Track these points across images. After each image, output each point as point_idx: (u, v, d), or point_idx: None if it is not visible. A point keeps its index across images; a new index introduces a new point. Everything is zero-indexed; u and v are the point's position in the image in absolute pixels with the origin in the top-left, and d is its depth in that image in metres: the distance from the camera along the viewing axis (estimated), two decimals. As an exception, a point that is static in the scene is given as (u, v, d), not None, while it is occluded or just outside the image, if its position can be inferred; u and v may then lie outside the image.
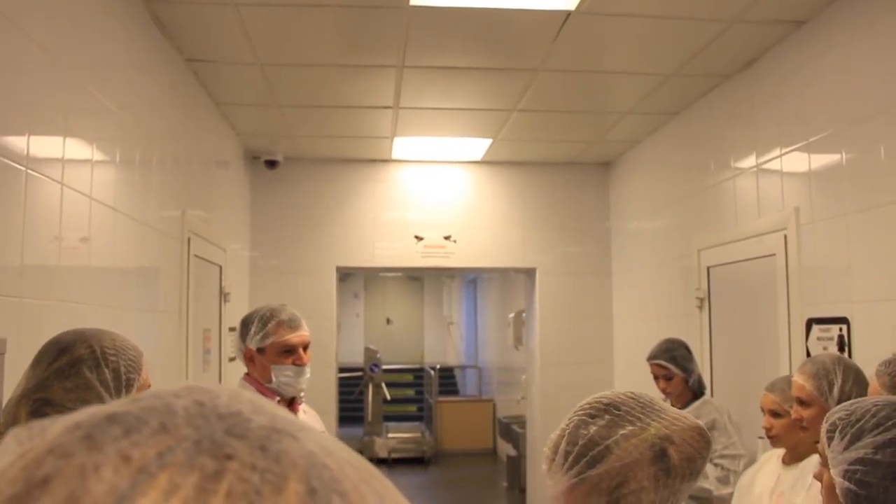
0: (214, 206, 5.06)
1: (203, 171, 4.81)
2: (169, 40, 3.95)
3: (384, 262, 6.50)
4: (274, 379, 2.76)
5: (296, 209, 6.42)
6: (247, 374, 2.85)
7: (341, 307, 16.72)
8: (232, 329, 5.32)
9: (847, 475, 1.54)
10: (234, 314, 5.42)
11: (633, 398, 1.38)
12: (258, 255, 6.34)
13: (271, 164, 6.25)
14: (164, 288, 3.85)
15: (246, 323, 2.82)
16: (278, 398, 2.77)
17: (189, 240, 4.18)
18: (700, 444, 1.33)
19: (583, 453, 1.33)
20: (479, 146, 6.09)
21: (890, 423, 1.52)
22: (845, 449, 1.56)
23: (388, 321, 18.61)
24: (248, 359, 2.80)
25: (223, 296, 5.00)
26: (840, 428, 1.58)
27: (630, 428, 1.32)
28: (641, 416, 1.35)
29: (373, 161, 6.52)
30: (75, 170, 2.78)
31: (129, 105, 3.39)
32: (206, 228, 4.64)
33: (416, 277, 18.56)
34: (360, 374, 13.06)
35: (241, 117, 5.36)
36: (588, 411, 1.38)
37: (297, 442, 0.39)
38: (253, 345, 2.78)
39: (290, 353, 2.78)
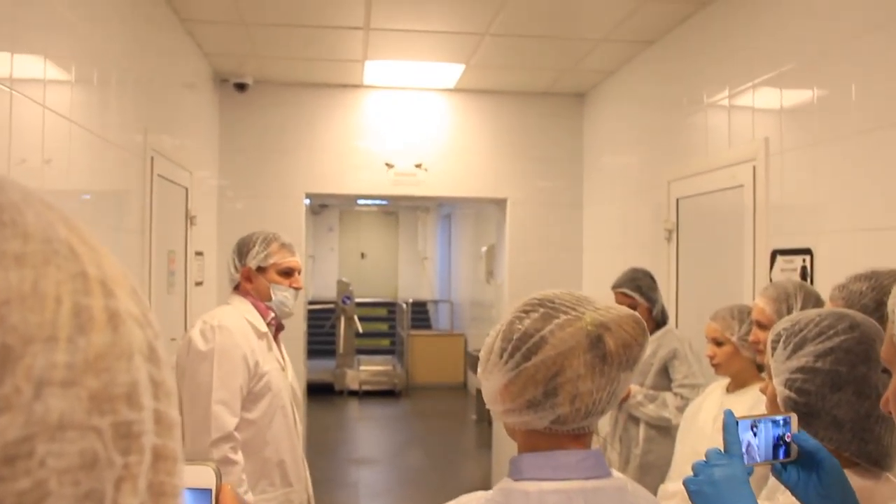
0: (180, 127, 4.95)
1: (168, 92, 4.68)
2: (129, -50, 3.81)
3: (354, 189, 6.43)
4: (274, 297, 2.98)
5: (266, 134, 6.30)
6: (236, 289, 3.01)
7: (316, 241, 16.80)
8: (199, 253, 5.27)
9: (788, 384, 1.55)
10: (201, 238, 5.36)
11: (566, 293, 1.36)
12: (226, 179, 6.24)
13: (241, 87, 6.12)
14: (126, 207, 3.78)
15: (245, 243, 3.01)
16: (272, 315, 3.00)
17: (152, 159, 4.09)
18: (636, 330, 1.30)
19: (518, 347, 1.30)
20: (451, 72, 5.98)
21: (832, 332, 1.53)
22: (787, 358, 1.56)
23: (363, 256, 18.60)
24: (245, 278, 2.98)
25: (189, 219, 4.93)
26: (784, 338, 1.58)
27: (564, 318, 1.29)
28: (576, 306, 1.32)
29: (344, 86, 6.40)
30: (28, 86, 2.68)
31: (87, 18, 3.26)
32: (172, 150, 4.54)
33: (391, 212, 18.49)
34: (332, 306, 13.07)
35: (207, 36, 5.21)
36: (522, 308, 1.35)
37: None
38: (254, 263, 2.97)
39: (289, 275, 3.02)
